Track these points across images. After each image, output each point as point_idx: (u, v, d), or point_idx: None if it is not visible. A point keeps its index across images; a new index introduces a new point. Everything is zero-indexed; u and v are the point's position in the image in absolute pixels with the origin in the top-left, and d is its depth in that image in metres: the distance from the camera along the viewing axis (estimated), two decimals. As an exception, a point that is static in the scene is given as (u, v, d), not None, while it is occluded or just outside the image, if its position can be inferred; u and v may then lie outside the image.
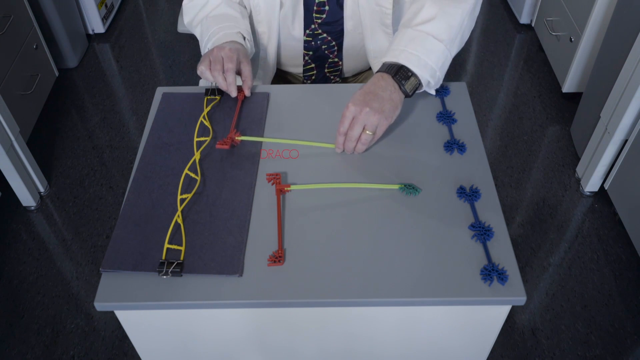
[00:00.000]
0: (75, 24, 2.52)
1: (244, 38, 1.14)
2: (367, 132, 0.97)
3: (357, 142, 0.98)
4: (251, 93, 1.12)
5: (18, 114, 1.95)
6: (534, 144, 2.17)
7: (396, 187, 0.95)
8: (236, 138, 1.02)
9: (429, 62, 0.99)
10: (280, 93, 1.14)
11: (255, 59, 1.28)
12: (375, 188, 0.95)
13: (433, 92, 1.08)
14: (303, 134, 1.05)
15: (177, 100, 1.12)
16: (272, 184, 0.96)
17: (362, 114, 0.96)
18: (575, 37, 2.16)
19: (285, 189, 0.95)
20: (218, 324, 0.90)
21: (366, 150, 1.01)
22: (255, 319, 0.89)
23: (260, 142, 1.03)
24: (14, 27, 2.06)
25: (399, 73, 0.99)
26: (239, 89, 1.11)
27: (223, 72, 1.06)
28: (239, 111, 1.09)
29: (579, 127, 2.09)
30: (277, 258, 0.85)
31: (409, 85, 1.00)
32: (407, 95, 1.00)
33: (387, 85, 0.98)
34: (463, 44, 1.07)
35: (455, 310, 0.86)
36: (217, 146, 1.00)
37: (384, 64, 1.02)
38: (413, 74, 0.99)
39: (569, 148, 2.15)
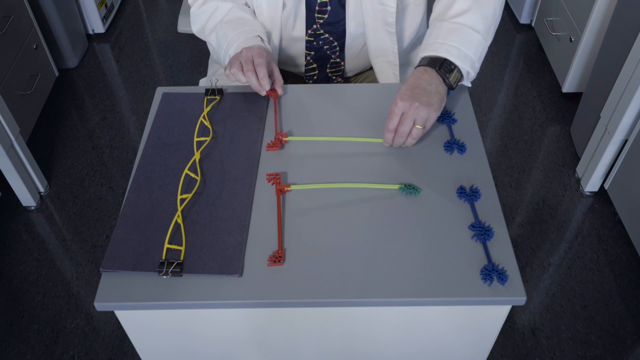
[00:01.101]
0: (75, 24, 2.52)
1: (262, 40, 1.13)
2: (418, 126, 0.97)
3: (407, 137, 0.99)
4: (250, 94, 1.11)
5: (18, 114, 1.95)
6: (534, 144, 2.17)
7: (396, 187, 0.95)
8: (284, 139, 1.02)
9: (469, 53, 1.00)
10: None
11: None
12: (375, 188, 0.95)
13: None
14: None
15: (177, 100, 1.12)
16: (272, 184, 0.96)
17: (411, 108, 0.96)
18: (575, 37, 2.16)
19: (285, 189, 0.95)
20: (218, 324, 0.90)
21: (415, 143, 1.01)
22: (255, 319, 0.89)
23: (261, 142, 1.03)
24: (14, 27, 2.06)
25: (443, 66, 0.99)
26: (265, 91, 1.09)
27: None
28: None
29: (579, 127, 2.09)
30: (277, 258, 0.85)
31: (453, 78, 1.00)
32: (450, 88, 1.01)
33: (432, 79, 0.99)
34: (494, 34, 1.08)
35: (455, 310, 0.86)
36: (268, 149, 1.01)
37: (423, 58, 1.02)
38: (455, 66, 1.00)
39: (569, 148, 2.15)
